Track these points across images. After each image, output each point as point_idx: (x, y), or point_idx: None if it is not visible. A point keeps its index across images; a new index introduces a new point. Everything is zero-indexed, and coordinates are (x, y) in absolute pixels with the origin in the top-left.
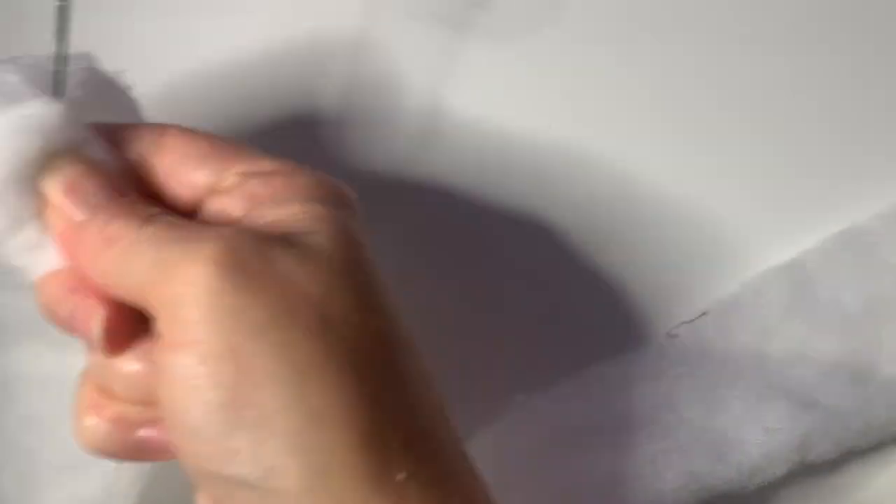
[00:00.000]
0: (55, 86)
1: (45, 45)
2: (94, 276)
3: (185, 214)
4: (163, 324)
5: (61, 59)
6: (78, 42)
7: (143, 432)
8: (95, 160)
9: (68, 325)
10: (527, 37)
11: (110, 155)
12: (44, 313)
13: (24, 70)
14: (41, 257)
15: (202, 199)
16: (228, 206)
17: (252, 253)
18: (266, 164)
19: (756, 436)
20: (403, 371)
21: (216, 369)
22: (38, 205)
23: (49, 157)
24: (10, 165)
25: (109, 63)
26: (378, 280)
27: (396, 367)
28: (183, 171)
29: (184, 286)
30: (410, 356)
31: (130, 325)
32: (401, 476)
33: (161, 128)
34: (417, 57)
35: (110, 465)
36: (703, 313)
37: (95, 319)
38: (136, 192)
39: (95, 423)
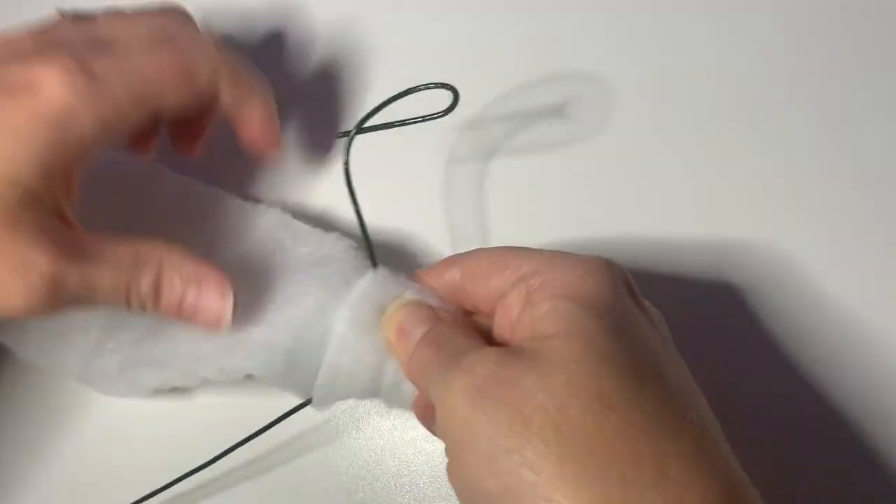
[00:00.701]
0: (371, 257)
1: None
2: (410, 376)
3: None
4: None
5: (365, 231)
6: None
7: None
8: (415, 300)
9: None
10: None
11: (430, 296)
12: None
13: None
14: (406, 388)
15: (496, 301)
16: (510, 310)
17: (493, 379)
18: (530, 265)
19: None
20: (648, 456)
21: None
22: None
23: (385, 310)
24: (365, 323)
25: None
26: (630, 364)
27: (640, 459)
28: (480, 290)
29: (443, 417)
30: (658, 442)
31: None
32: None
33: (460, 261)
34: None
35: None
36: None
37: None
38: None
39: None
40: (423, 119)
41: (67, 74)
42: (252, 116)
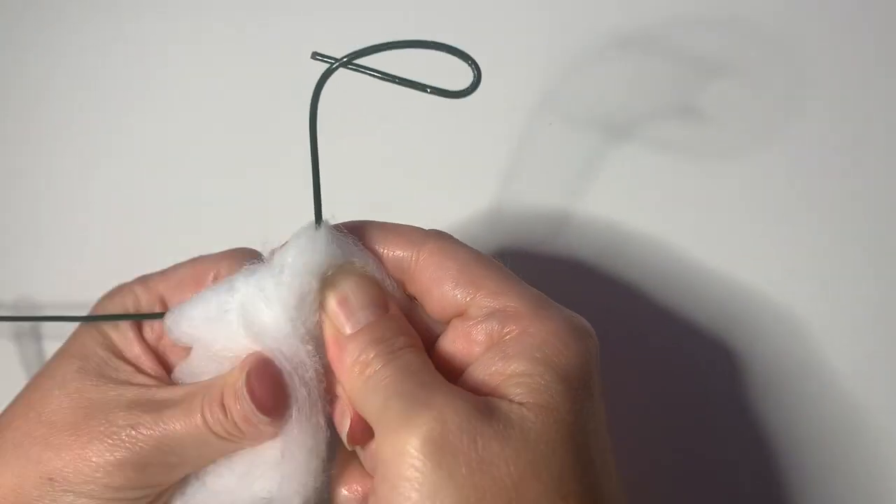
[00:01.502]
0: (316, 215)
1: (43, 44)
2: (344, 387)
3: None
4: (378, 467)
5: (317, 192)
6: None
7: None
8: (365, 274)
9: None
10: None
11: (377, 270)
12: None
13: None
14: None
15: (450, 317)
16: (472, 338)
17: (459, 434)
18: (511, 301)
19: None
20: None
21: None
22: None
23: (327, 273)
24: (301, 277)
25: None
26: (585, 452)
27: None
28: (437, 290)
29: (395, 452)
30: None
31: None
32: None
33: (419, 244)
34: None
35: None
36: None
37: (345, 420)
38: (396, 306)
39: (344, 496)
40: (435, 90)
41: None
42: None
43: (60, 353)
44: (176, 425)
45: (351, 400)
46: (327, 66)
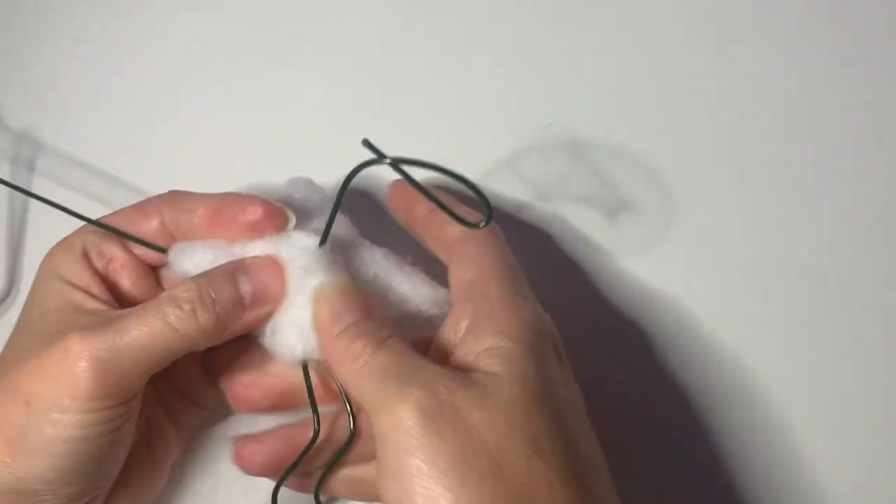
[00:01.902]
0: (325, 235)
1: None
2: (337, 376)
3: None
4: (378, 445)
5: (332, 219)
6: None
7: None
8: (349, 285)
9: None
10: None
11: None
12: None
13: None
14: (307, 341)
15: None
16: (459, 317)
17: (447, 404)
18: (492, 290)
19: None
20: (564, 501)
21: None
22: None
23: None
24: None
25: None
26: (557, 414)
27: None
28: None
29: (393, 427)
30: (571, 488)
31: None
32: None
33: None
34: None
35: None
36: None
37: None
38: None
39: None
40: (452, 215)
41: None
42: None
43: (25, 303)
44: (133, 330)
45: (347, 389)
46: (370, 156)
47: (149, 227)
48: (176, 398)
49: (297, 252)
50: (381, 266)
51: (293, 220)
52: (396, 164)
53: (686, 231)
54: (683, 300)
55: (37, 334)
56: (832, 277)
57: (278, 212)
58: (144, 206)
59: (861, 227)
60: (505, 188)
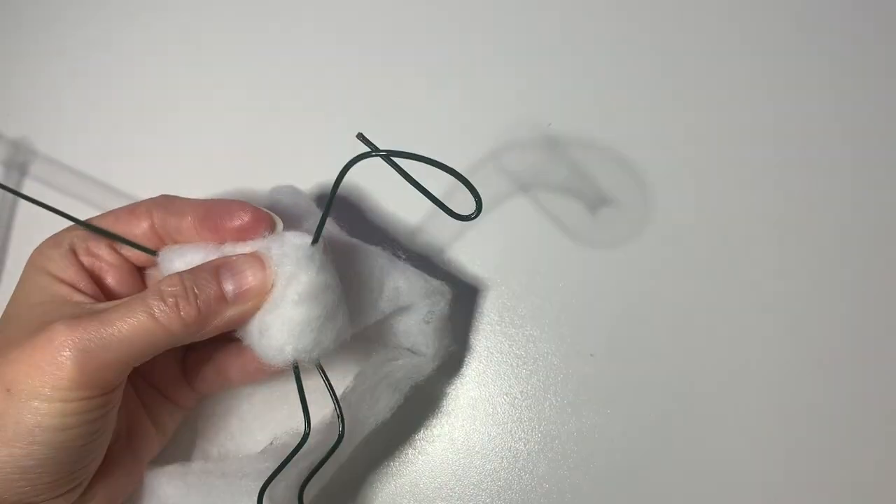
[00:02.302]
0: (318, 232)
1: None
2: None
3: None
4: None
5: (325, 215)
6: None
7: None
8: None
9: None
10: None
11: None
12: None
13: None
14: (298, 340)
15: None
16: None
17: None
18: None
19: None
20: None
21: None
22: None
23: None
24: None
25: None
26: None
27: None
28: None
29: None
30: None
31: None
32: None
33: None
34: None
35: None
36: None
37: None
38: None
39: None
40: (443, 207)
41: None
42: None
43: (12, 297)
44: (117, 321)
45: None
46: (364, 148)
47: (139, 229)
48: (156, 396)
49: (290, 250)
50: (375, 262)
51: (280, 226)
52: (389, 156)
53: (664, 225)
54: (661, 293)
55: (22, 325)
56: (809, 273)
57: (266, 217)
58: (135, 209)
59: (838, 225)
60: (489, 181)
